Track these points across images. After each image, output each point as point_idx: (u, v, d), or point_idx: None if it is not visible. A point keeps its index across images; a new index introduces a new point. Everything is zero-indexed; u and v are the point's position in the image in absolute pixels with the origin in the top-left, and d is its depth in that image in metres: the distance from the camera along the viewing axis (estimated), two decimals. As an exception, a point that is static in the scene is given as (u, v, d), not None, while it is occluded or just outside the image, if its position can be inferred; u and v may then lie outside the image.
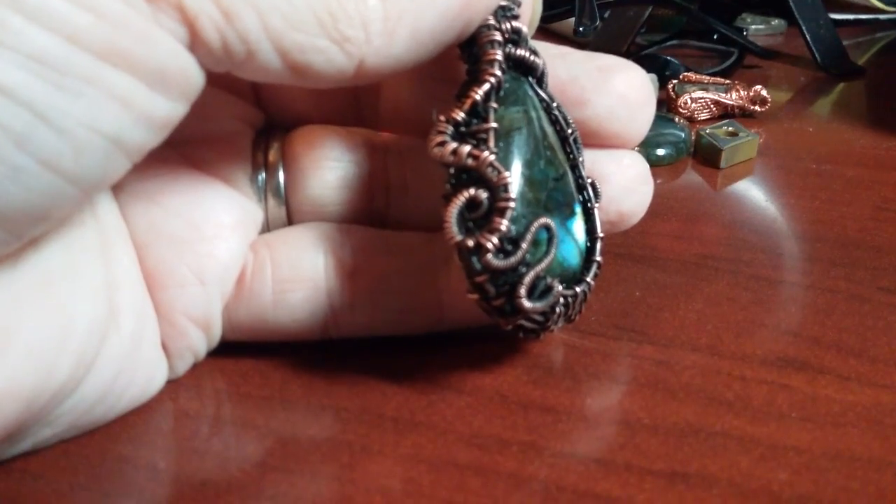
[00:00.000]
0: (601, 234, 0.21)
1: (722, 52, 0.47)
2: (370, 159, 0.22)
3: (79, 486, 0.18)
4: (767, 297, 0.25)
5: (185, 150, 0.21)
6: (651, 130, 0.22)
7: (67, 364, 0.17)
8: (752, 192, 0.32)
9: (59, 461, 0.19)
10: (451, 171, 0.19)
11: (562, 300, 0.19)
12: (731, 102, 0.39)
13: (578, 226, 0.20)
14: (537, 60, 0.20)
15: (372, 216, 0.23)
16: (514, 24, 0.20)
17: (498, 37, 0.19)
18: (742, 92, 0.39)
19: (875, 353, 0.22)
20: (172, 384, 0.21)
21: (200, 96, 0.17)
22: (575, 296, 0.20)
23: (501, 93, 0.19)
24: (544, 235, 0.19)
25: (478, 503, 0.18)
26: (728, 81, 0.40)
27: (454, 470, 0.19)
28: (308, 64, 0.17)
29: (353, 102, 0.23)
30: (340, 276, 0.21)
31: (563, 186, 0.20)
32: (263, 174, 0.22)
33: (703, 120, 0.39)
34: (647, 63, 0.41)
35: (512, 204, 0.18)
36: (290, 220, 0.23)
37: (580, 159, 0.21)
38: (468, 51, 0.20)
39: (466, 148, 0.18)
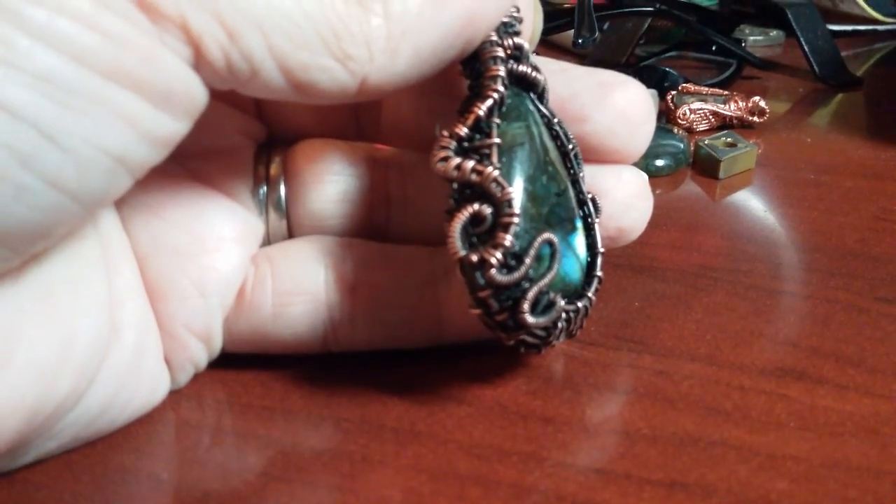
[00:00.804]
0: (602, 250, 0.21)
1: (720, 64, 0.48)
2: (371, 173, 0.23)
3: (81, 497, 0.18)
4: (766, 308, 0.25)
5: (188, 163, 0.21)
6: (650, 141, 0.23)
7: (70, 377, 0.17)
8: (751, 203, 0.33)
9: (62, 471, 0.19)
10: (455, 186, 0.19)
11: (563, 315, 0.20)
12: (729, 113, 0.39)
13: (580, 241, 0.20)
14: (538, 76, 0.20)
15: (372, 230, 0.23)
16: (516, 40, 0.20)
17: (500, 53, 0.19)
18: (740, 103, 0.39)
19: (873, 363, 0.22)
20: (174, 394, 0.21)
21: (204, 110, 0.17)
22: (577, 311, 0.20)
23: (504, 108, 0.19)
24: (547, 251, 0.19)
25: (478, 513, 0.18)
26: (727, 92, 0.40)
27: (454, 480, 0.19)
28: (312, 82, 0.17)
29: (354, 117, 0.24)
30: (341, 289, 0.21)
31: (564, 202, 0.20)
32: (265, 188, 0.22)
33: (702, 131, 0.39)
34: (646, 74, 0.42)
35: (516, 219, 0.18)
36: (291, 234, 0.23)
37: (581, 174, 0.21)
38: (470, 66, 0.20)
39: (470, 163, 0.19)
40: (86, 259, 0.18)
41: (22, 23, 0.14)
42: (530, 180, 0.19)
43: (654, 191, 0.23)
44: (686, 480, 0.19)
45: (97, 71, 0.14)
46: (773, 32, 0.53)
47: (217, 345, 0.21)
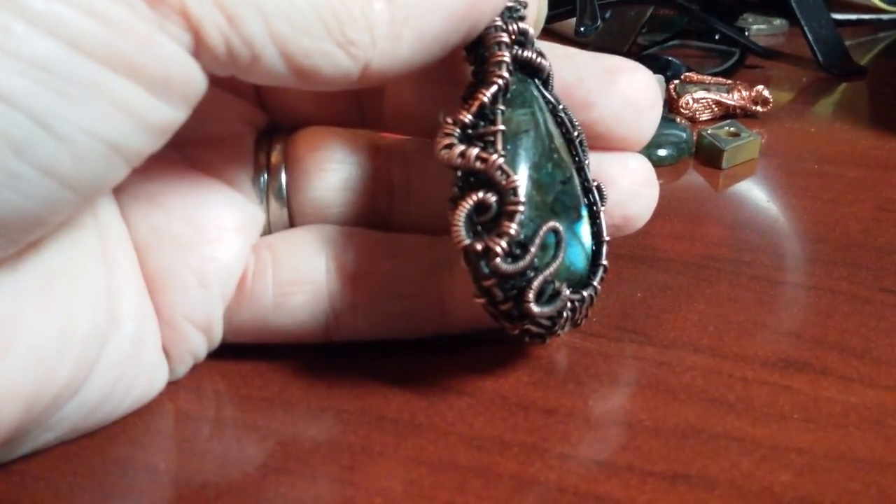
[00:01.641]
0: (607, 238, 0.21)
1: (723, 53, 0.47)
2: (373, 161, 0.22)
3: (79, 488, 0.18)
4: (769, 298, 0.25)
5: (187, 151, 0.21)
6: (656, 128, 0.22)
7: (68, 367, 0.17)
8: (754, 193, 0.32)
9: (59, 463, 0.19)
10: (459, 174, 0.19)
11: (568, 304, 0.19)
12: (732, 103, 0.39)
13: (585, 229, 0.20)
14: (543, 62, 0.20)
15: (375, 219, 0.23)
16: (521, 25, 0.20)
17: (505, 38, 0.19)
18: (744, 92, 0.39)
19: (878, 354, 0.22)
20: (172, 385, 0.21)
21: (203, 97, 0.16)
22: (581, 300, 0.20)
23: (508, 95, 0.19)
24: (552, 239, 0.19)
25: (479, 505, 0.18)
26: (730, 82, 0.40)
27: (455, 471, 0.18)
28: (313, 68, 0.17)
29: (356, 104, 0.23)
30: (342, 279, 0.21)
31: (570, 189, 0.20)
32: (266, 176, 0.22)
33: (705, 120, 0.39)
34: (649, 63, 0.41)
35: (521, 208, 0.18)
36: (292, 223, 0.23)
37: (586, 162, 0.21)
38: (474, 52, 0.19)
39: (475, 151, 0.18)
40: (84, 249, 0.18)
41: (18, 8, 0.13)
42: (535, 168, 0.19)
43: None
44: (688, 472, 0.18)
45: (93, 57, 0.14)
46: (777, 21, 0.52)
47: (217, 336, 0.21)
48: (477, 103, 0.19)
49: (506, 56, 0.19)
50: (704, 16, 0.47)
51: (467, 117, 0.19)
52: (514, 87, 0.19)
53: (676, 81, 0.40)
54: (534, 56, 0.20)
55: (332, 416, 0.20)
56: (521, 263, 0.18)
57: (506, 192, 0.18)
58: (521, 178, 0.19)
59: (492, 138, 0.19)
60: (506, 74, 0.19)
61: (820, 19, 0.45)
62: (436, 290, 0.21)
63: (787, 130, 0.38)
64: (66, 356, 0.17)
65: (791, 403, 0.20)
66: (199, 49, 0.15)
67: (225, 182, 0.21)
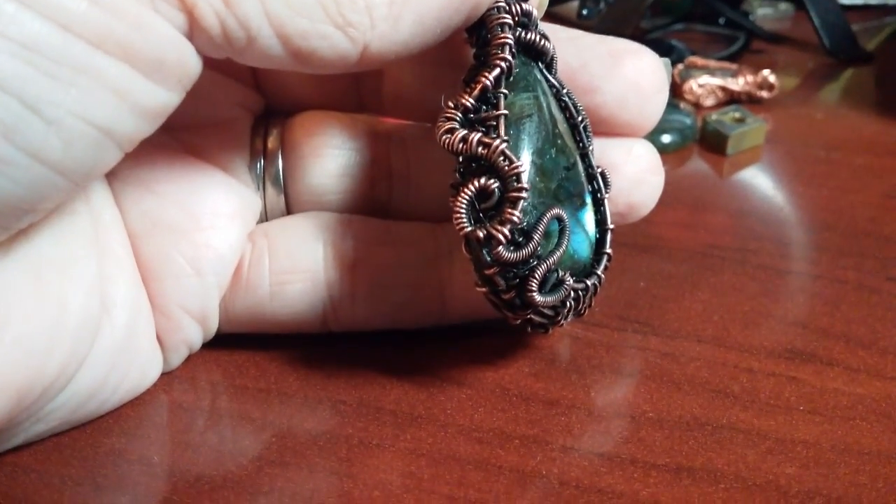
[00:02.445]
0: (611, 226, 0.20)
1: (728, 37, 0.47)
2: (372, 147, 0.22)
3: (71, 480, 0.18)
4: (775, 288, 0.25)
5: (182, 136, 0.20)
6: (662, 112, 0.22)
7: (59, 357, 0.17)
8: (759, 180, 0.32)
9: (51, 455, 0.18)
10: (461, 159, 0.18)
11: (572, 293, 0.19)
12: (737, 88, 0.38)
13: (589, 217, 0.20)
14: (547, 45, 0.19)
15: (373, 206, 0.22)
16: (524, 6, 0.19)
17: (508, 20, 0.19)
18: (749, 77, 0.38)
19: (885, 345, 0.22)
20: (166, 376, 0.21)
21: (198, 80, 0.16)
22: (585, 289, 0.19)
23: (511, 78, 0.19)
24: (556, 227, 0.18)
25: (479, 498, 0.17)
26: (735, 66, 0.39)
27: (455, 464, 0.18)
28: (311, 50, 0.16)
29: (355, 87, 0.23)
30: (340, 267, 0.21)
31: (574, 176, 0.19)
32: (262, 161, 0.22)
33: (709, 106, 0.38)
34: (652, 48, 0.40)
35: (524, 194, 0.18)
36: (289, 210, 0.22)
37: (590, 148, 0.20)
38: (476, 34, 0.19)
39: (477, 135, 0.18)
40: (77, 236, 0.18)
41: None
42: (539, 153, 0.19)
43: (661, 168, 0.22)
44: (693, 465, 0.18)
45: (85, 38, 0.14)
46: (783, 5, 0.52)
47: (213, 325, 0.21)
48: (479, 86, 0.18)
49: (509, 38, 0.18)
50: (709, -1, 0.46)
51: (469, 101, 0.18)
52: (517, 70, 0.19)
53: (680, 66, 0.39)
54: (537, 38, 0.19)
55: (330, 408, 0.20)
56: (524, 251, 0.18)
57: (508, 179, 0.18)
58: (525, 164, 0.18)
59: (494, 123, 0.18)
60: (509, 57, 0.18)
61: (826, 3, 0.44)
62: (436, 279, 0.21)
63: (793, 116, 0.38)
64: (57, 346, 0.16)
65: (797, 395, 0.20)
66: (194, 30, 0.15)
67: (220, 168, 0.21)
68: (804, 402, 0.20)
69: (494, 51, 0.18)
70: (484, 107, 0.18)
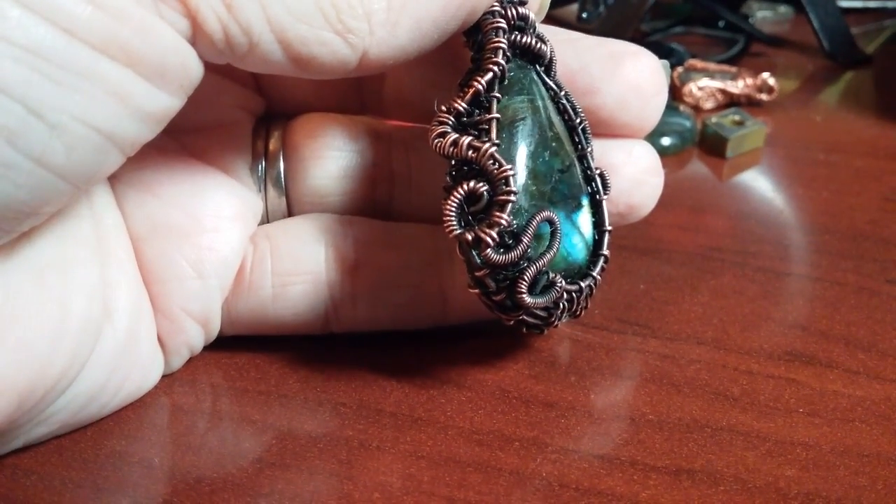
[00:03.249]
0: (609, 227, 0.20)
1: (728, 40, 0.47)
2: (373, 149, 0.22)
3: (71, 482, 0.18)
4: (775, 290, 0.25)
5: (184, 138, 0.21)
6: (661, 114, 0.22)
7: (61, 360, 0.17)
8: (759, 183, 0.32)
9: (52, 457, 0.18)
10: (452, 162, 0.18)
11: (565, 295, 0.19)
12: (737, 91, 0.38)
13: (585, 219, 0.20)
14: (544, 48, 0.19)
15: (375, 207, 0.22)
16: (521, 10, 0.19)
17: (502, 24, 0.19)
18: (748, 80, 0.38)
19: (884, 347, 0.22)
20: (167, 378, 0.21)
21: (200, 83, 0.16)
22: (580, 291, 0.19)
23: (506, 81, 0.19)
24: (547, 229, 0.18)
25: (479, 500, 0.17)
26: (734, 69, 0.39)
27: (455, 466, 0.18)
28: (311, 56, 0.16)
29: (356, 89, 0.23)
30: (342, 269, 0.21)
31: (569, 178, 0.19)
32: (263, 163, 0.22)
33: (709, 109, 0.38)
34: (652, 51, 0.41)
35: (513, 197, 0.18)
36: (291, 211, 0.22)
37: (589, 149, 0.20)
38: (472, 38, 0.19)
39: (467, 139, 0.18)
40: (79, 240, 0.18)
41: None
42: (532, 156, 0.19)
43: (660, 170, 0.22)
44: (692, 467, 0.18)
45: (89, 43, 0.14)
46: (782, 8, 0.52)
47: (215, 328, 0.21)
48: (472, 91, 0.18)
49: (502, 42, 0.19)
50: (709, 2, 0.46)
51: (462, 105, 0.18)
52: (511, 73, 0.19)
53: (680, 69, 0.39)
54: (533, 42, 0.19)
55: (330, 410, 0.20)
56: (513, 254, 0.18)
57: (497, 182, 0.18)
58: (517, 167, 0.18)
59: (486, 126, 0.18)
60: (502, 61, 0.18)
61: (825, 6, 0.44)
62: (437, 280, 0.21)
63: (793, 119, 0.38)
64: (59, 349, 0.16)
65: (797, 397, 0.20)
66: (196, 36, 0.15)
67: (222, 170, 0.21)
68: (804, 405, 0.20)
69: (488, 55, 0.19)
70: (477, 111, 0.19)
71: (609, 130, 0.21)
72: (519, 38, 0.19)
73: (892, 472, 0.18)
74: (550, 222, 0.18)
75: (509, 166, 0.18)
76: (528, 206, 0.18)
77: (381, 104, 0.23)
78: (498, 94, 0.19)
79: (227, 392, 0.21)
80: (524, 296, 0.18)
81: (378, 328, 0.22)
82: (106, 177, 0.16)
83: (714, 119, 0.34)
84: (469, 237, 0.18)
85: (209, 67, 0.16)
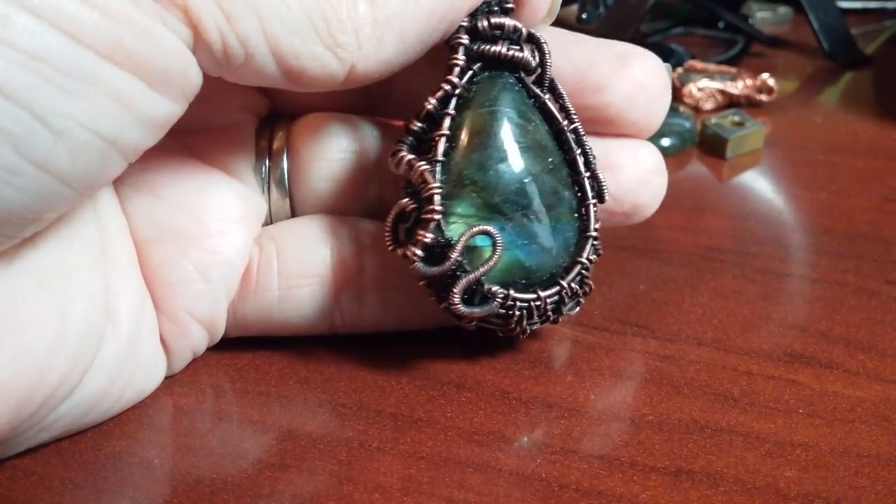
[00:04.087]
0: (593, 233, 0.20)
1: (728, 41, 0.47)
2: (378, 149, 0.22)
3: (71, 483, 0.18)
4: (774, 291, 0.25)
5: (188, 140, 0.20)
6: (665, 115, 0.22)
7: (61, 366, 0.17)
8: (759, 184, 0.32)
9: (52, 458, 0.18)
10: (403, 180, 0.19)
11: (518, 304, 0.19)
12: (736, 91, 0.38)
13: (560, 226, 0.20)
14: (519, 55, 0.19)
15: (380, 208, 0.22)
16: (496, 19, 0.19)
17: (463, 40, 0.19)
18: (748, 81, 0.38)
19: (884, 348, 0.22)
20: (168, 380, 0.21)
21: (205, 84, 0.16)
22: (538, 300, 0.19)
23: (471, 94, 0.19)
24: (486, 241, 0.19)
25: (478, 501, 0.17)
26: (734, 70, 0.39)
27: (454, 467, 0.18)
28: (302, 69, 0.17)
29: (362, 90, 0.23)
30: (347, 270, 0.21)
31: (531, 187, 0.19)
32: (267, 164, 0.22)
33: (709, 109, 0.38)
34: (652, 51, 0.41)
35: (437, 216, 0.18)
36: (294, 212, 0.22)
37: (577, 152, 0.20)
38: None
39: (407, 158, 0.19)
40: (83, 245, 0.18)
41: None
42: (480, 168, 0.19)
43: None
44: (692, 468, 0.18)
45: (94, 50, 0.14)
46: (782, 9, 0.52)
47: (220, 331, 0.21)
48: (424, 110, 0.19)
49: (459, 59, 0.19)
50: (708, 3, 0.46)
51: (416, 124, 0.19)
52: (477, 84, 0.19)
53: (680, 70, 0.39)
54: (503, 50, 0.19)
55: (330, 411, 0.20)
56: (440, 268, 0.19)
57: (423, 200, 0.19)
58: (459, 182, 0.19)
59: (435, 144, 0.19)
60: (454, 79, 0.19)
61: (825, 7, 0.44)
62: None
63: (792, 120, 0.38)
64: (59, 355, 0.16)
65: (796, 398, 0.20)
66: (197, 45, 0.16)
67: (226, 172, 0.21)
68: (803, 405, 0.20)
69: (444, 72, 0.19)
70: (433, 128, 0.19)
71: (616, 129, 0.21)
72: (488, 48, 0.19)
73: (891, 473, 0.18)
74: (488, 235, 0.19)
75: (436, 184, 0.19)
76: (468, 219, 0.19)
77: (388, 104, 0.23)
78: (452, 111, 0.19)
79: (227, 393, 0.21)
80: (458, 306, 0.19)
81: (383, 328, 0.22)
82: (108, 182, 0.16)
83: (714, 120, 0.34)
84: (399, 252, 0.19)
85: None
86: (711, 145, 0.34)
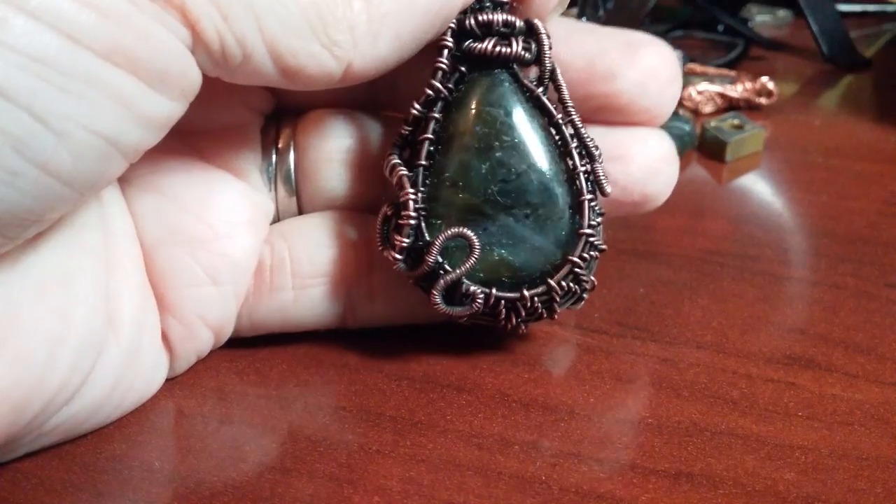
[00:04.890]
0: (587, 231, 0.20)
1: (727, 44, 0.47)
2: (384, 144, 0.22)
3: (72, 486, 0.18)
4: (774, 294, 0.25)
5: (195, 141, 0.20)
6: (676, 103, 0.22)
7: (60, 372, 0.17)
8: (758, 187, 0.32)
9: (53, 460, 0.18)
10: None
11: (503, 303, 0.20)
12: (736, 95, 0.38)
13: (550, 224, 0.20)
14: (506, 50, 0.19)
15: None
16: (482, 17, 0.19)
17: (448, 41, 0.19)
18: (747, 84, 0.38)
19: (883, 351, 0.22)
20: (169, 382, 0.21)
21: (209, 84, 0.16)
22: (521, 299, 0.20)
23: (459, 95, 0.19)
24: (463, 242, 0.19)
25: (478, 504, 0.17)
26: (733, 73, 0.39)
27: (454, 470, 0.18)
28: (299, 68, 0.17)
29: (369, 85, 0.23)
30: (358, 267, 0.21)
31: (520, 185, 0.19)
32: (273, 163, 0.22)
33: (708, 113, 0.38)
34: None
35: (411, 221, 0.19)
36: (301, 209, 0.22)
37: (573, 146, 0.20)
38: None
39: (391, 162, 0.20)
40: (86, 249, 0.18)
41: (18, 0, 0.13)
42: (463, 170, 0.19)
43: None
44: (692, 471, 0.18)
45: (93, 51, 0.14)
46: (781, 12, 0.52)
47: (226, 334, 0.21)
48: (410, 115, 0.20)
49: (442, 62, 0.19)
50: (708, 6, 0.46)
51: (405, 129, 0.20)
52: (466, 84, 0.20)
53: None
54: (489, 47, 0.19)
55: (330, 414, 0.20)
56: (418, 270, 0.19)
57: (398, 206, 0.19)
58: (439, 185, 0.19)
59: (419, 148, 0.19)
60: (436, 83, 0.19)
61: (825, 10, 0.44)
62: None
63: (792, 123, 0.38)
64: (58, 361, 0.16)
65: (796, 401, 0.20)
66: (195, 45, 0.16)
67: (233, 173, 0.21)
68: (803, 408, 0.20)
69: (430, 76, 0.19)
70: (418, 132, 0.20)
71: (627, 118, 0.21)
72: (473, 47, 0.19)
73: (890, 476, 0.18)
74: (464, 237, 0.19)
75: (410, 191, 0.19)
76: (445, 220, 0.19)
77: (394, 99, 0.23)
78: (437, 115, 0.19)
79: (228, 396, 0.21)
80: (439, 305, 0.19)
81: (393, 324, 0.22)
82: (109, 183, 0.16)
83: (713, 123, 0.34)
84: (385, 254, 0.20)
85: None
86: (711, 148, 0.34)
